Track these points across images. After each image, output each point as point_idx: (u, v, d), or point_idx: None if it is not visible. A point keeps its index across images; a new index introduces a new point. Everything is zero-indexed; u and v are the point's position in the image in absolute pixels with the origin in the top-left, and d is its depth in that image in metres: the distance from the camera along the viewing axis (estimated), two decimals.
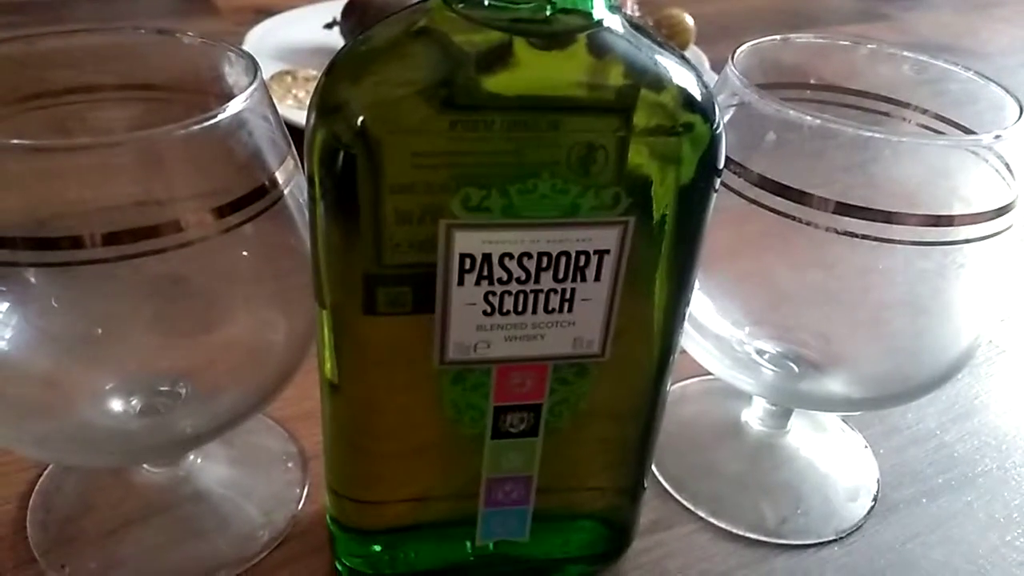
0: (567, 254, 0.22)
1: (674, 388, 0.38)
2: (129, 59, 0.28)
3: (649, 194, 0.22)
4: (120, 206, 0.21)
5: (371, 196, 0.21)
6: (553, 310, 0.23)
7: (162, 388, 0.29)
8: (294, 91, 0.57)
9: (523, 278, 0.22)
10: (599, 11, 0.21)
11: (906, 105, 0.31)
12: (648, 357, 0.26)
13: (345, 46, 0.23)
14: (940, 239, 0.25)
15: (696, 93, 0.21)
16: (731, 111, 0.28)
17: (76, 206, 0.21)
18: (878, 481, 0.35)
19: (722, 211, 0.26)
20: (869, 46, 0.31)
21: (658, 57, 0.21)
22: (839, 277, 0.28)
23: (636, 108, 0.21)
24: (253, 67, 0.25)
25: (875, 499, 0.34)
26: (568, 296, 0.23)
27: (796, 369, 0.31)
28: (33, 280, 0.24)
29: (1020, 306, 0.47)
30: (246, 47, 0.63)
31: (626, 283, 0.23)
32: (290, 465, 0.33)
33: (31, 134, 0.27)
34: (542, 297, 0.23)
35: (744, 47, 0.30)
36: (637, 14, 0.69)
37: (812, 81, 0.32)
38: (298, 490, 0.32)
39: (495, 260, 0.22)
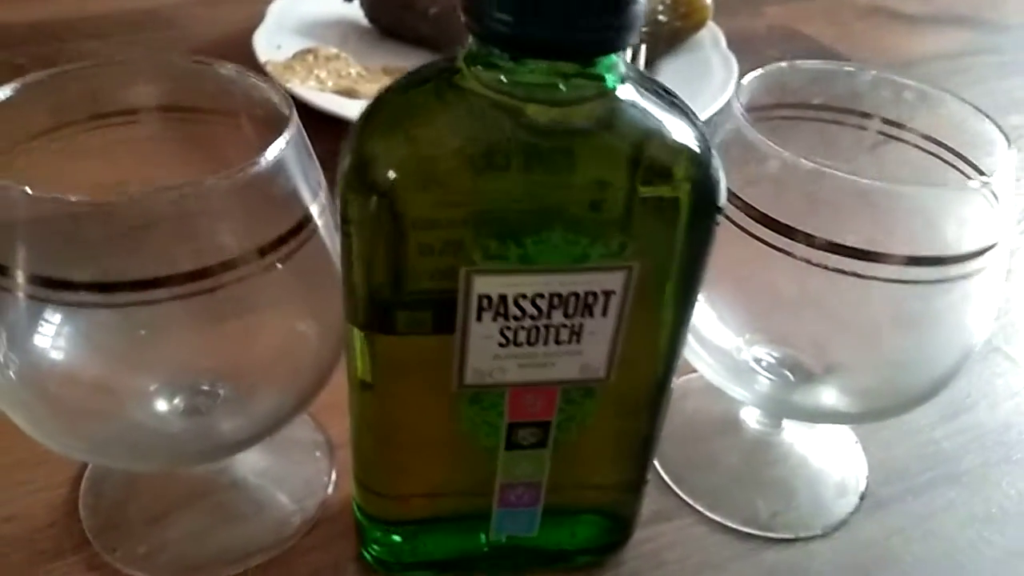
0: (576, 294, 0.24)
1: (678, 383, 0.40)
2: (169, 83, 0.30)
3: (653, 241, 0.24)
4: (170, 249, 0.23)
5: (399, 239, 0.23)
6: (562, 342, 0.25)
7: (203, 387, 0.31)
8: (315, 71, 0.58)
9: (536, 315, 0.24)
10: (611, 80, 0.22)
11: (903, 126, 0.33)
12: (651, 376, 0.28)
13: (379, 95, 0.24)
14: (928, 278, 0.27)
15: (697, 147, 0.23)
16: (732, 143, 0.30)
17: (129, 249, 0.23)
18: (866, 478, 0.37)
19: (720, 233, 0.28)
20: (872, 72, 0.33)
21: (662, 115, 0.23)
22: (831, 298, 0.30)
23: (641, 164, 0.23)
24: (288, 104, 0.26)
25: (862, 496, 0.36)
26: (577, 330, 0.25)
27: (792, 378, 0.34)
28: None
29: (1012, 307, 0.48)
30: (267, 22, 0.65)
31: (631, 316, 0.25)
32: (318, 454, 0.36)
33: (85, 154, 0.29)
34: (553, 331, 0.25)
35: (749, 76, 0.31)
36: None
37: (815, 102, 0.34)
38: (326, 478, 0.35)
39: (510, 300, 0.24)
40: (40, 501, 0.33)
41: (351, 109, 0.54)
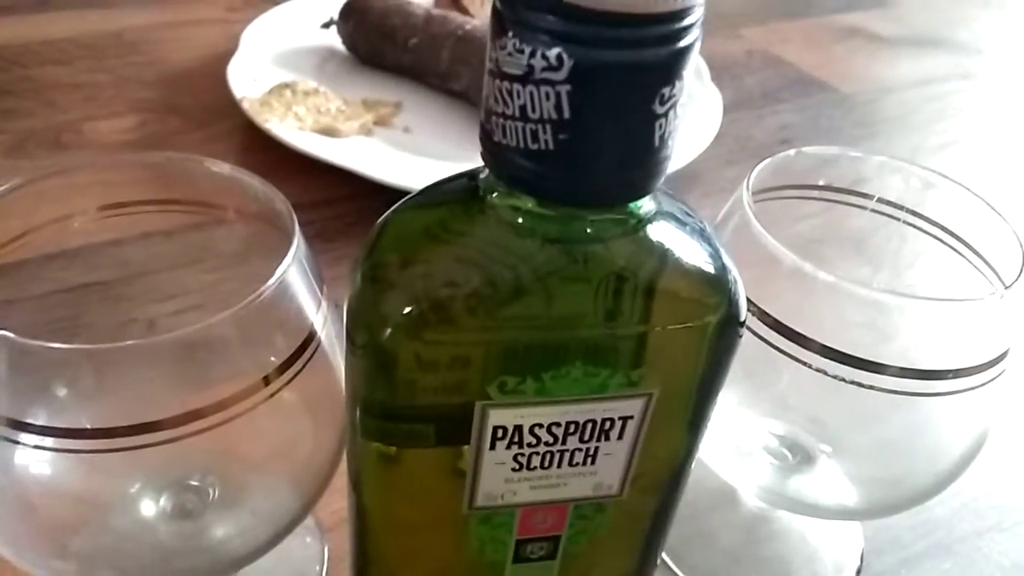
0: (593, 421, 0.23)
1: None
2: (161, 178, 0.28)
3: (674, 367, 0.23)
4: (172, 391, 0.22)
5: (408, 365, 0.22)
6: (577, 464, 0.24)
7: (192, 483, 0.30)
8: (294, 108, 0.56)
9: (551, 442, 0.24)
10: (637, 218, 0.21)
11: (910, 211, 0.33)
12: (665, 486, 0.27)
13: (394, 211, 0.23)
14: (932, 391, 0.27)
15: (721, 278, 0.23)
16: (740, 236, 0.29)
17: (130, 392, 0.21)
18: (862, 552, 0.37)
19: None
20: (878, 158, 0.32)
21: (687, 248, 0.22)
22: (836, 399, 0.30)
23: (664, 299, 0.22)
24: (290, 215, 0.25)
25: (858, 571, 0.36)
26: (592, 453, 0.24)
27: (791, 459, 0.33)
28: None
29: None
30: (241, 51, 0.63)
31: (647, 435, 0.24)
32: (308, 540, 0.35)
33: (77, 242, 0.28)
34: (567, 455, 0.24)
35: (758, 168, 0.30)
36: None
37: (820, 183, 0.33)
38: (317, 567, 0.34)
39: (526, 429, 0.23)
40: None
41: (332, 151, 0.53)
